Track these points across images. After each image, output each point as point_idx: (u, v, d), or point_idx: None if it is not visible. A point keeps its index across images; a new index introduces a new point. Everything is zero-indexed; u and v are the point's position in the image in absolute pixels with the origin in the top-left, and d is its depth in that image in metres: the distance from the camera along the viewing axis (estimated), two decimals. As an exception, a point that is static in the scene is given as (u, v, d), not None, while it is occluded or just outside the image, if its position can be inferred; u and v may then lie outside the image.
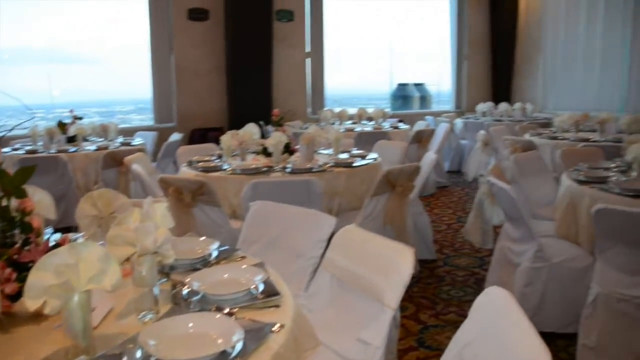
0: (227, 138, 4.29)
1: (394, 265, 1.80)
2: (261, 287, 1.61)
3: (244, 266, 1.79)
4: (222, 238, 3.16)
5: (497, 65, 11.28)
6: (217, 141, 4.67)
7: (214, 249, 1.98)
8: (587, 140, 5.53)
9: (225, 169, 3.89)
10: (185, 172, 4.00)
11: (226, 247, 2.04)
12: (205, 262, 1.89)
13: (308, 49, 9.50)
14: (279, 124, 4.55)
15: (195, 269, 1.81)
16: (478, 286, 3.94)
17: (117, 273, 1.18)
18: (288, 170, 3.80)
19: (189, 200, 3.36)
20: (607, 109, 7.67)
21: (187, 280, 1.65)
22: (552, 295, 3.01)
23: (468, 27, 11.11)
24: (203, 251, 1.96)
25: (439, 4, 11.20)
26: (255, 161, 4.13)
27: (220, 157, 4.42)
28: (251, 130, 4.60)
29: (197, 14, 8.51)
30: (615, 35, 9.45)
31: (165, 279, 1.73)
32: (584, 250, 3.07)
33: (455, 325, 3.36)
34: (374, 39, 11.13)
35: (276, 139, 4.06)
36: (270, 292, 1.58)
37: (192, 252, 1.94)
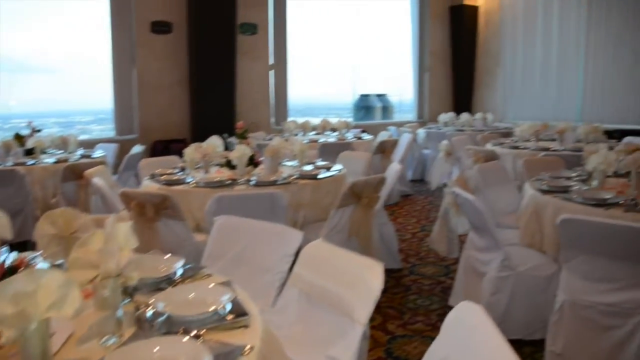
0: (190, 150, 4.22)
1: (364, 280, 1.78)
2: (229, 307, 1.56)
3: (211, 285, 1.74)
4: (186, 252, 3.11)
5: (458, 77, 11.53)
6: (179, 153, 4.59)
7: (178, 267, 1.92)
8: (547, 149, 5.64)
9: (188, 182, 3.82)
10: (148, 185, 3.92)
11: (191, 265, 1.98)
12: (170, 281, 1.83)
13: (272, 61, 9.49)
14: (243, 137, 4.51)
15: (160, 289, 1.75)
16: (444, 295, 3.96)
17: (79, 299, 1.12)
18: (252, 182, 3.75)
19: (151, 214, 3.28)
20: (564, 118, 7.90)
21: (151, 301, 1.59)
22: (519, 303, 3.04)
23: (429, 40, 11.30)
24: (167, 269, 1.89)
25: (400, 17, 11.35)
26: (219, 174, 4.07)
27: (183, 169, 4.35)
28: (215, 142, 4.55)
29: (160, 27, 8.39)
30: (570, 49, 9.78)
31: (128, 300, 1.67)
32: (548, 258, 3.11)
33: (423, 334, 3.39)
34: (337, 50, 11.18)
35: (240, 151, 4.02)
36: (239, 312, 1.54)
37: (156, 271, 1.87)
